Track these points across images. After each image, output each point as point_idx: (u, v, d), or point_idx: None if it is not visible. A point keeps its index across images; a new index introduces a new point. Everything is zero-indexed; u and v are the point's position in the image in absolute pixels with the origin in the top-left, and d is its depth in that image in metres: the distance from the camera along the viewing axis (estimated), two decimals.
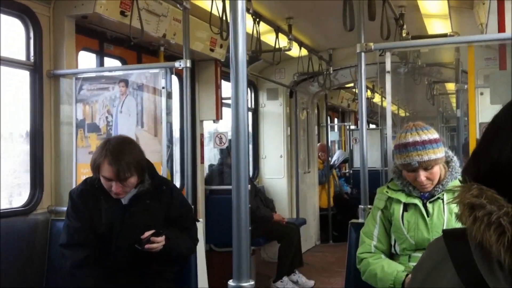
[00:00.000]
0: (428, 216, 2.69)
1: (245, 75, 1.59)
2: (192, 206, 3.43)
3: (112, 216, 2.91)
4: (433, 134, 2.67)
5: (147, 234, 2.78)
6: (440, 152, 2.65)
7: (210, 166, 6.57)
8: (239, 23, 1.57)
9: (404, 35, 5.31)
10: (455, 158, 2.78)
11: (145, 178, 2.96)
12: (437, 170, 2.67)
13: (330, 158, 9.82)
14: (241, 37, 1.57)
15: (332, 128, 12.13)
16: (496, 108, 1.12)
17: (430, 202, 2.71)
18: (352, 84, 9.66)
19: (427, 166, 2.62)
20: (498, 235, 0.94)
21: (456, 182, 2.72)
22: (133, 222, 2.88)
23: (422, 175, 2.63)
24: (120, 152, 2.81)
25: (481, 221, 0.98)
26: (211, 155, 6.99)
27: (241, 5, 1.58)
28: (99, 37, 4.54)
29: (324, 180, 9.01)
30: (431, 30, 6.11)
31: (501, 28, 3.48)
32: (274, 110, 7.77)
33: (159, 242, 2.80)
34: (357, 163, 11.08)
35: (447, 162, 2.76)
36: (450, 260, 1.03)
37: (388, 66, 3.55)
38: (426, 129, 2.69)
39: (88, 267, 2.90)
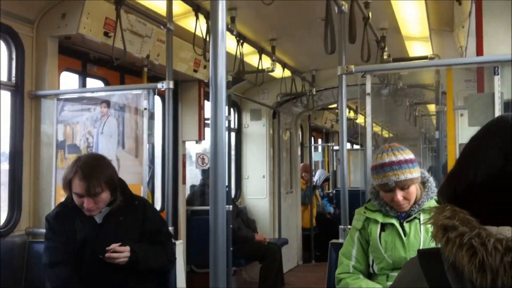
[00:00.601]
0: (405, 236, 2.72)
1: (224, 95, 1.59)
2: (169, 224, 3.43)
3: (86, 234, 2.90)
4: (409, 155, 2.72)
5: (113, 245, 2.81)
6: (416, 172, 2.70)
7: (192, 186, 6.54)
8: (219, 43, 1.58)
9: (385, 57, 5.38)
10: (431, 179, 2.83)
11: (117, 196, 2.97)
12: (414, 189, 2.71)
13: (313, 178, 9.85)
14: (221, 58, 1.58)
15: (316, 149, 12.18)
16: (475, 130, 1.14)
17: (407, 222, 2.75)
18: (335, 105, 9.73)
19: (403, 185, 2.66)
20: (470, 256, 0.96)
21: (432, 202, 2.76)
22: (107, 239, 2.87)
23: (399, 195, 2.67)
24: (91, 167, 2.84)
25: (453, 242, 0.99)
26: (192, 175, 6.98)
27: (221, 25, 1.60)
28: (82, 57, 4.54)
29: (307, 201, 9.03)
30: (412, 53, 6.21)
31: (479, 51, 3.55)
32: (257, 131, 7.79)
33: (122, 252, 2.81)
34: (340, 183, 11.09)
35: (423, 183, 2.80)
36: (425, 280, 1.04)
37: (368, 88, 3.60)
38: (402, 149, 2.73)
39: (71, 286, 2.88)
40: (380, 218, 2.78)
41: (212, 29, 1.63)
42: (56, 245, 2.95)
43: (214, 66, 1.59)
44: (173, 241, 3.27)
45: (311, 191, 9.13)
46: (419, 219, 2.74)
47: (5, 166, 4.00)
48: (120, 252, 2.82)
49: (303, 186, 9.15)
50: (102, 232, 2.92)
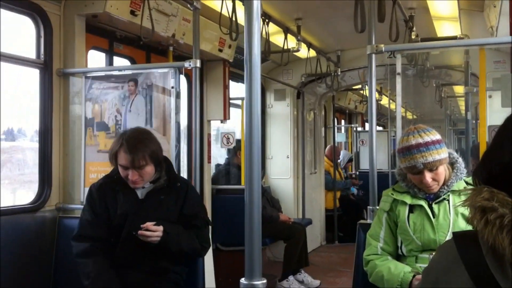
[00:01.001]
0: (434, 217, 2.69)
1: (259, 76, 1.59)
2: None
3: (127, 208, 2.96)
4: (435, 135, 2.68)
5: (147, 224, 2.84)
6: (443, 153, 2.66)
7: (217, 165, 6.58)
8: (254, 24, 1.57)
9: (413, 37, 5.29)
10: (460, 160, 2.79)
11: (162, 174, 3.04)
12: (442, 170, 2.68)
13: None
14: (255, 38, 1.57)
15: (339, 130, 12.12)
16: (506, 111, 1.11)
17: (435, 203, 2.72)
18: (359, 86, 9.64)
19: (432, 167, 2.63)
20: (511, 238, 0.94)
21: (462, 183, 2.74)
22: (146, 216, 2.91)
23: (428, 177, 2.64)
24: (136, 140, 2.92)
25: (493, 224, 0.97)
26: (217, 154, 7.01)
27: (256, 5, 1.58)
28: (109, 36, 4.55)
29: (331, 187, 9.02)
30: (440, 33, 6.09)
31: None
32: (281, 111, 7.77)
33: (155, 231, 2.84)
34: (363, 165, 11.05)
35: (452, 164, 2.77)
36: (462, 264, 1.02)
37: (398, 68, 3.55)
38: (428, 130, 2.69)
39: (91, 257, 2.94)
40: (408, 199, 2.76)
41: (246, 10, 1.61)
42: (88, 219, 3.03)
43: (249, 46, 1.59)
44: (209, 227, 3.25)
45: (335, 178, 9.09)
46: (448, 200, 2.71)
47: (29, 143, 4.05)
48: (153, 231, 2.85)
49: (329, 169, 9.12)
50: (143, 209, 2.96)
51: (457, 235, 1.09)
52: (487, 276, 0.98)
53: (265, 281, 1.61)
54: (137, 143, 2.91)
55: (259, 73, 1.58)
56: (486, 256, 1.00)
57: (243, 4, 1.61)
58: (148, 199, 3.01)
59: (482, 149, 3.41)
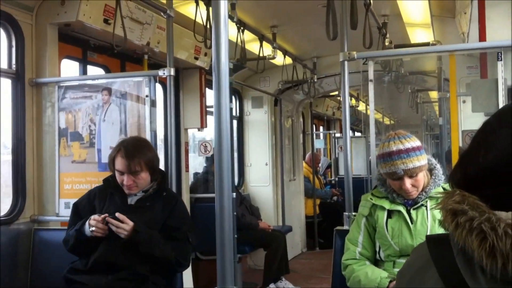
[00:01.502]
0: (412, 223, 2.71)
1: (228, 82, 1.59)
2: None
3: (111, 210, 3.01)
4: (416, 142, 2.70)
5: (118, 214, 2.91)
6: (423, 159, 2.69)
7: (195, 174, 6.55)
8: (221, 30, 1.57)
9: (387, 44, 5.35)
10: (438, 166, 2.82)
11: (153, 185, 3.14)
12: (422, 177, 2.70)
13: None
14: (223, 45, 1.57)
15: (318, 136, 12.18)
16: (480, 116, 1.13)
17: (414, 209, 2.74)
18: (337, 92, 9.70)
19: (412, 173, 2.64)
20: (480, 241, 0.95)
21: (439, 189, 2.75)
22: (130, 219, 2.94)
23: (408, 183, 2.66)
24: (133, 147, 3.06)
25: (463, 227, 0.98)
26: (196, 163, 6.97)
27: (223, 12, 1.58)
28: (82, 45, 4.52)
29: (310, 194, 9.04)
30: (414, 39, 6.17)
31: (482, 37, 3.53)
32: (259, 118, 7.78)
33: (125, 223, 2.88)
34: (342, 171, 11.12)
35: (430, 170, 2.79)
36: (434, 265, 1.03)
37: (370, 75, 3.58)
38: (409, 137, 2.71)
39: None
40: (387, 205, 2.78)
41: (214, 16, 1.61)
42: (71, 222, 3.16)
43: (217, 53, 1.59)
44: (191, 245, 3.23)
45: (314, 185, 9.11)
46: (426, 206, 2.73)
47: (6, 155, 4.01)
48: (122, 222, 2.89)
49: (309, 175, 9.14)
50: (127, 212, 3.00)
51: (430, 238, 1.11)
52: (457, 278, 0.99)
53: None
54: (134, 150, 3.04)
55: (228, 80, 1.58)
56: (457, 258, 1.01)
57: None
58: (135, 206, 3.09)
59: (454, 153, 3.45)
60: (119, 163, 3.03)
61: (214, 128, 1.59)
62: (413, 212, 2.73)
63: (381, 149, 2.73)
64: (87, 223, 2.97)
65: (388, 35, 5.39)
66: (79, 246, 3.03)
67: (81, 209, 3.17)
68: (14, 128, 3.85)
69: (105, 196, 3.14)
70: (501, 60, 3.26)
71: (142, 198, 3.11)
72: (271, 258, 6.27)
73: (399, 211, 2.74)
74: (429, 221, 2.69)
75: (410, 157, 2.63)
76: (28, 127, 3.90)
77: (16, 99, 3.85)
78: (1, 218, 3.76)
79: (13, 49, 3.82)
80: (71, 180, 3.97)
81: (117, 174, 3.08)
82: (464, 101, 5.35)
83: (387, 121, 11.52)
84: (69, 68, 4.58)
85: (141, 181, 3.06)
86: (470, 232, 0.97)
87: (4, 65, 3.82)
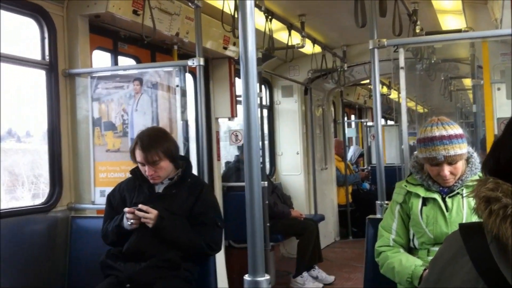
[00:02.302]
0: (447, 211, 2.68)
1: (255, 72, 1.58)
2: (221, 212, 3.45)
3: (140, 199, 3.13)
4: (458, 129, 2.67)
5: (141, 205, 3.01)
6: (464, 148, 2.65)
7: (227, 163, 6.59)
8: (248, 19, 1.57)
9: (417, 31, 5.25)
10: (475, 154, 2.77)
11: (178, 172, 3.22)
12: (461, 165, 2.67)
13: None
14: (250, 34, 1.57)
15: (349, 125, 12.09)
16: None
17: (449, 197, 2.71)
18: (368, 81, 9.60)
19: (452, 160, 2.61)
20: None
21: (476, 178, 2.70)
22: (156, 207, 3.04)
23: (446, 170, 2.63)
24: (150, 138, 3.15)
25: (496, 214, 0.98)
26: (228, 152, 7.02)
27: (250, 1, 1.58)
28: (113, 36, 4.57)
29: (342, 183, 9.00)
30: (445, 26, 6.04)
31: None
32: (289, 107, 7.77)
33: (149, 213, 2.98)
34: (375, 160, 11.02)
35: (467, 158, 2.75)
36: (467, 253, 1.03)
37: (401, 62, 3.54)
38: (452, 124, 2.68)
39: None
40: (422, 192, 2.75)
41: (240, 5, 1.61)
42: (106, 213, 3.31)
43: (244, 42, 1.58)
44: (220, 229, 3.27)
45: (346, 173, 9.05)
46: (462, 194, 2.69)
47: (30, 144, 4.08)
48: (146, 212, 2.99)
49: (338, 165, 9.09)
50: (154, 200, 3.11)
51: (463, 226, 1.11)
52: (491, 265, 0.99)
53: (268, 277, 1.61)
54: (150, 141, 3.12)
55: (255, 69, 1.58)
56: (490, 246, 1.01)
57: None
58: (162, 193, 3.18)
59: (489, 141, 3.39)
60: (138, 155, 3.13)
61: (243, 117, 1.59)
62: (448, 200, 2.70)
63: (422, 134, 2.69)
64: (124, 217, 3.05)
65: (418, 22, 5.29)
66: (119, 240, 3.13)
67: (113, 202, 3.28)
68: (49, 118, 3.93)
69: (134, 187, 3.23)
70: None
71: (168, 185, 3.19)
72: (304, 246, 6.27)
73: (434, 199, 2.71)
74: (465, 209, 2.66)
75: (452, 143, 2.60)
76: (63, 117, 3.98)
77: (50, 89, 3.93)
78: (39, 206, 3.87)
79: (46, 41, 3.89)
80: (106, 169, 4.04)
81: (139, 165, 3.19)
82: (498, 88, 5.22)
83: (420, 109, 11.35)
84: (101, 59, 4.65)
85: (162, 171, 3.14)
86: (504, 219, 0.96)
87: (38, 57, 3.90)
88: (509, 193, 0.99)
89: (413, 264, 2.63)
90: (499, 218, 0.97)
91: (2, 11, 3.59)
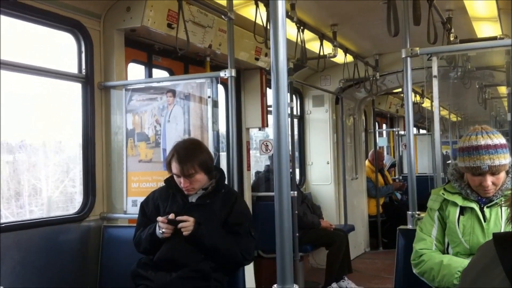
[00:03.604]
0: (484, 221, 2.63)
1: (286, 82, 1.61)
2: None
3: (173, 209, 3.16)
4: (503, 139, 2.61)
5: (179, 217, 3.04)
6: (508, 158, 2.59)
7: (257, 173, 6.61)
8: (279, 30, 1.59)
9: (452, 39, 5.19)
10: None
11: (212, 182, 3.24)
12: (503, 175, 2.61)
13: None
14: (281, 44, 1.59)
15: (381, 134, 11.97)
16: None
17: (487, 207, 2.65)
18: (400, 89, 9.51)
19: (496, 171, 2.56)
20: None
21: None
22: (191, 217, 3.06)
23: (489, 180, 2.57)
24: (186, 151, 3.17)
25: None
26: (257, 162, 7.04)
27: (281, 12, 1.61)
28: (147, 49, 4.67)
29: (374, 194, 8.91)
30: (480, 34, 5.95)
31: None
32: (320, 117, 7.75)
33: (188, 221, 3.01)
34: (407, 169, 10.85)
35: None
36: (500, 264, 1.02)
37: (434, 71, 3.51)
38: (496, 133, 2.62)
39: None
40: (459, 201, 2.70)
41: (272, 16, 1.64)
42: (139, 222, 3.33)
43: (275, 52, 1.61)
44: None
45: (377, 184, 8.96)
46: (501, 205, 2.62)
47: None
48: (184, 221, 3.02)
49: (371, 175, 9.01)
50: (188, 210, 3.14)
51: (497, 236, 1.09)
52: None
53: (297, 287, 1.62)
54: (187, 153, 3.14)
55: (286, 79, 1.60)
56: None
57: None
58: (195, 202, 3.20)
59: None
60: (175, 168, 3.15)
61: (273, 127, 1.62)
62: (486, 210, 2.64)
63: (465, 142, 2.63)
64: (157, 226, 3.08)
65: (453, 30, 5.23)
66: (152, 248, 3.16)
67: (147, 210, 3.31)
68: (84, 130, 4.03)
69: (168, 196, 3.26)
70: None
71: (202, 196, 3.21)
72: (333, 257, 6.23)
73: (472, 208, 2.66)
74: (503, 220, 2.60)
75: (498, 153, 2.54)
76: (98, 128, 4.08)
77: (86, 102, 4.03)
78: (72, 216, 3.96)
79: (83, 55, 4.00)
80: (138, 179, 4.11)
81: (175, 176, 3.21)
82: None
83: (453, 117, 11.17)
84: (136, 72, 4.75)
85: (197, 183, 3.18)
86: None
87: (74, 70, 4.01)
88: None
89: (465, 261, 2.53)
90: None
91: (41, 26, 3.71)
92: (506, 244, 1.04)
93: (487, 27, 5.81)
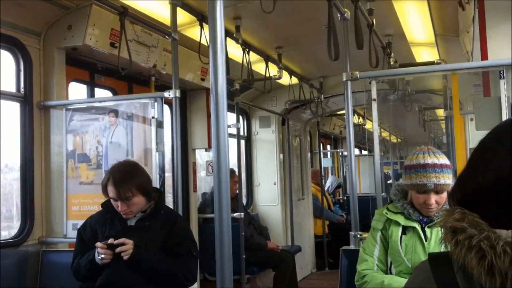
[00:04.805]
0: (426, 240, 2.70)
1: (225, 103, 1.60)
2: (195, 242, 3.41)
3: (112, 233, 3.07)
4: (447, 160, 2.71)
5: (117, 240, 2.95)
6: (451, 178, 2.67)
7: (203, 194, 6.55)
8: (218, 50, 1.59)
9: (392, 63, 5.37)
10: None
11: (151, 204, 3.17)
12: (445, 195, 2.69)
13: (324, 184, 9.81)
14: (220, 65, 1.59)
15: (325, 155, 12.17)
16: (485, 134, 1.13)
17: (428, 227, 2.73)
18: (343, 111, 9.70)
19: (440, 190, 2.64)
20: (479, 259, 0.96)
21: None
22: (130, 239, 2.99)
23: (433, 198, 2.65)
24: (122, 173, 3.08)
25: (462, 245, 1.00)
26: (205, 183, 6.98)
27: (219, 32, 1.61)
28: (89, 68, 4.58)
29: (318, 214, 9.00)
30: (419, 58, 6.19)
31: (484, 55, 3.54)
32: (267, 138, 7.80)
33: (127, 244, 2.93)
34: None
35: None
36: (435, 283, 1.04)
37: (374, 94, 3.62)
38: (441, 153, 2.72)
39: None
40: (402, 220, 2.76)
41: (211, 37, 1.64)
42: (77, 249, 3.22)
43: (214, 74, 1.61)
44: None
45: (322, 204, 9.07)
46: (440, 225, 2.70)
47: (13, 176, 4.04)
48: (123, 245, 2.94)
49: (317, 193, 9.10)
50: (127, 233, 3.05)
51: (432, 256, 1.11)
52: None
53: None
54: (123, 176, 3.05)
55: (225, 100, 1.59)
56: (457, 276, 1.02)
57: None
58: (134, 226, 3.12)
59: (459, 171, 3.44)
60: (111, 191, 3.07)
61: (212, 147, 1.60)
62: (427, 230, 2.72)
63: (412, 160, 2.71)
64: (96, 252, 2.99)
65: (392, 55, 5.41)
66: (92, 275, 3.06)
67: (84, 236, 3.20)
68: (22, 151, 3.90)
69: (106, 221, 3.17)
70: (503, 78, 3.28)
71: (141, 218, 3.13)
72: (280, 278, 6.22)
73: (414, 228, 2.73)
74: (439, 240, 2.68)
75: (443, 172, 2.62)
76: (36, 149, 3.95)
77: (24, 122, 3.91)
78: (9, 241, 3.80)
79: (21, 73, 3.89)
80: (79, 201, 4.01)
81: (112, 200, 3.11)
82: (471, 119, 5.33)
83: (394, 139, 11.49)
84: (77, 91, 4.64)
85: (135, 206, 3.09)
86: (469, 250, 0.98)
87: (12, 89, 3.89)
88: (475, 224, 1.01)
89: (405, 281, 2.60)
90: (464, 248, 0.99)
91: None
92: (440, 264, 1.07)
93: (425, 52, 6.05)
